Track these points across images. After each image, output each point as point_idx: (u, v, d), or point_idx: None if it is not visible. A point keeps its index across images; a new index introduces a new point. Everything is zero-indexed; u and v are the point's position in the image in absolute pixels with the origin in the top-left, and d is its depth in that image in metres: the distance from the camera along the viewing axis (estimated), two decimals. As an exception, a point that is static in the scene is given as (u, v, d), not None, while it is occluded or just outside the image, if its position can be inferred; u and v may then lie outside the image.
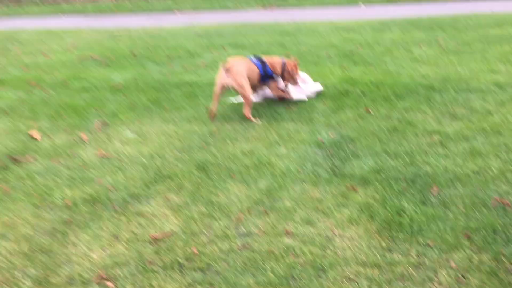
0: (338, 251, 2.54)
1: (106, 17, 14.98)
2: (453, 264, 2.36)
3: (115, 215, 2.98)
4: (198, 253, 2.57)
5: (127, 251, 2.62)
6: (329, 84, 5.49)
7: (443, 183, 3.14)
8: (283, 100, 4.99)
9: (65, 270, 2.47)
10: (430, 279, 2.27)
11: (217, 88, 4.53)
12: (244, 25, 11.16)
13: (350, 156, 3.65)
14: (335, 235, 2.68)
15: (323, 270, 2.39)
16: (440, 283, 2.24)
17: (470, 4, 12.05)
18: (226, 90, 4.56)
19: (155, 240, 2.70)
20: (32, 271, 2.47)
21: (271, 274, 2.36)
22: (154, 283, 2.34)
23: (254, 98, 4.79)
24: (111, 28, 11.87)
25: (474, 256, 2.41)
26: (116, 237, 2.75)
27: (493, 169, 3.29)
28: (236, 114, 4.70)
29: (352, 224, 2.77)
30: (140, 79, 6.29)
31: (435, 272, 2.32)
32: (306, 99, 5.02)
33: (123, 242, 2.70)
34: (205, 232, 2.77)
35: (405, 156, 3.56)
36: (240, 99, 5.05)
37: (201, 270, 2.43)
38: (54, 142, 4.19)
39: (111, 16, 15.21)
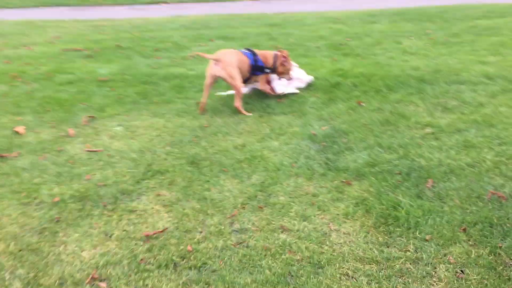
0: (335, 246, 2.50)
1: (89, 8, 14.72)
2: (451, 259, 2.34)
3: (106, 212, 2.89)
4: (192, 250, 2.50)
5: (119, 249, 2.55)
6: (320, 76, 5.44)
7: (438, 176, 3.11)
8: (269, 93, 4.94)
9: (56, 270, 2.38)
10: (429, 275, 2.24)
11: (207, 80, 4.45)
12: (231, 16, 11.05)
13: (344, 149, 3.61)
14: (332, 230, 2.64)
15: (321, 266, 2.34)
16: (439, 279, 2.21)
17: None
18: (217, 82, 4.48)
19: (148, 237, 2.63)
20: (21, 271, 2.38)
21: (268, 272, 2.31)
22: (149, 282, 2.27)
23: (243, 90, 4.72)
24: (95, 19, 11.67)
25: (472, 250, 2.39)
26: (107, 235, 2.68)
27: (487, 161, 3.27)
28: (226, 107, 4.63)
29: (348, 219, 2.74)
30: (127, 72, 6.17)
31: (433, 267, 2.29)
32: (298, 91, 4.97)
33: (114, 240, 2.62)
34: (198, 228, 2.71)
35: (399, 149, 3.53)
36: (230, 92, 4.98)
37: (196, 268, 2.37)
38: (40, 137, 4.08)
39: (95, 7, 14.96)
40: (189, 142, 3.86)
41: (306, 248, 2.49)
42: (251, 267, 2.37)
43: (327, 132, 3.92)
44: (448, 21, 8.57)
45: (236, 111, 4.43)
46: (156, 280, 2.29)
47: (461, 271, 2.25)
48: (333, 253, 2.44)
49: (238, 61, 4.48)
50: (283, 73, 4.85)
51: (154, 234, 2.66)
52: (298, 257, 2.42)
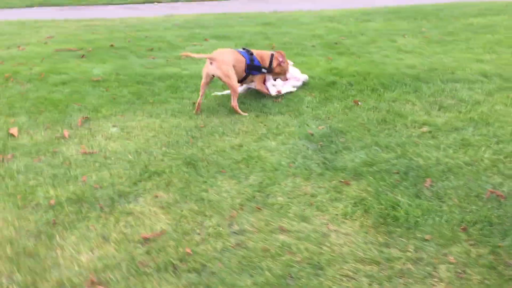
0: (335, 247, 2.49)
1: (81, 8, 14.61)
2: (452, 259, 2.33)
3: (103, 215, 2.87)
4: (191, 253, 2.48)
5: (118, 252, 2.52)
6: (315, 75, 5.43)
7: (436, 175, 3.11)
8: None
9: (54, 274, 2.35)
10: (430, 275, 2.24)
11: (203, 79, 4.43)
12: (225, 15, 11.01)
13: (341, 148, 3.60)
14: (331, 230, 2.63)
15: (321, 268, 2.33)
16: (440, 279, 2.21)
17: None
18: (212, 81, 4.45)
19: (146, 240, 2.61)
20: (18, 276, 2.34)
21: (268, 274, 2.30)
22: (148, 286, 2.25)
23: (239, 89, 4.70)
24: (88, 19, 11.58)
25: (472, 250, 2.39)
26: (105, 238, 2.65)
27: (485, 160, 3.28)
28: (222, 107, 4.60)
29: (347, 219, 2.73)
30: (121, 72, 6.12)
31: (434, 267, 2.29)
32: (294, 89, 4.96)
33: (112, 243, 2.59)
34: (197, 230, 2.69)
35: (396, 148, 3.53)
36: (226, 92, 4.96)
37: (196, 271, 2.35)
38: (35, 139, 4.03)
39: (87, 7, 14.85)
40: (186, 143, 3.83)
41: (305, 249, 2.48)
42: (251, 269, 2.35)
43: (324, 132, 3.90)
44: (443, 19, 8.59)
45: (232, 111, 4.41)
46: (155, 284, 2.27)
47: (462, 271, 2.25)
48: (333, 254, 2.43)
49: (233, 60, 4.46)
50: (280, 73, 4.84)
51: (152, 236, 2.63)
52: (298, 258, 2.41)
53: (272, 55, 4.73)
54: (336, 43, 7.25)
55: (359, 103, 4.51)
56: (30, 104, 4.93)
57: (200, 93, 4.47)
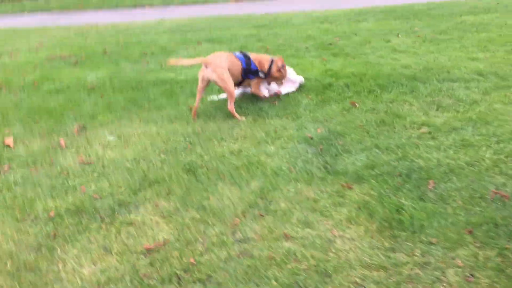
0: (341, 253, 2.46)
1: (72, 13, 14.54)
2: (459, 262, 2.31)
3: (103, 226, 2.82)
4: (195, 263, 2.45)
5: (120, 264, 2.48)
6: (311, 77, 5.41)
7: (438, 177, 3.09)
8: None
9: (56, 289, 2.31)
10: (439, 280, 2.21)
11: (199, 84, 4.39)
12: (217, 18, 10.98)
13: (341, 152, 3.57)
14: (336, 236, 2.60)
15: (328, 275, 2.30)
16: (449, 284, 2.18)
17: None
18: (209, 86, 4.42)
19: (149, 251, 2.57)
20: (19, 292, 2.31)
21: (275, 283, 2.27)
22: (153, 299, 2.22)
23: (236, 92, 4.67)
24: (78, 24, 11.51)
25: (480, 253, 2.37)
26: (106, 249, 2.61)
27: (486, 160, 3.26)
28: (219, 112, 4.56)
29: (352, 224, 2.70)
30: (115, 78, 6.08)
31: (442, 271, 2.26)
32: (293, 89, 4.95)
33: (114, 255, 2.55)
34: (200, 239, 2.65)
35: (397, 150, 3.51)
36: (222, 96, 4.93)
37: (201, 281, 2.32)
38: (31, 149, 3.98)
39: (77, 12, 14.77)
40: (184, 149, 3.79)
41: (311, 256, 2.45)
42: (257, 278, 2.32)
43: (323, 135, 3.88)
44: (434, 18, 8.61)
45: (230, 115, 4.37)
46: (161, 296, 2.23)
47: (471, 275, 2.23)
48: (340, 261, 2.40)
49: (229, 64, 4.42)
50: (278, 78, 4.80)
51: (155, 247, 2.59)
52: (304, 266, 2.38)
53: (272, 60, 4.70)
54: (330, 44, 7.24)
55: (356, 104, 4.49)
56: (25, 113, 4.88)
57: (197, 98, 4.43)
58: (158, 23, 10.83)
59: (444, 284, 2.19)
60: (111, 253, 2.57)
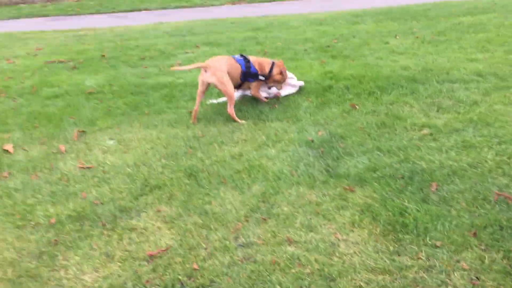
0: (345, 257, 2.44)
1: (69, 18, 14.50)
2: (465, 265, 2.30)
3: (105, 232, 2.80)
4: (198, 268, 2.43)
5: (122, 271, 2.46)
6: (310, 79, 5.40)
7: (441, 179, 3.08)
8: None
9: (58, 297, 2.29)
10: (444, 283, 2.20)
11: (199, 88, 4.38)
12: (215, 21, 10.97)
13: (343, 154, 3.56)
14: (339, 240, 2.59)
15: (333, 279, 2.29)
16: (455, 287, 2.17)
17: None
18: (209, 89, 4.40)
19: (151, 257, 2.55)
20: (21, 301, 2.29)
21: (279, 288, 2.25)
22: (157, 306, 2.20)
23: (235, 94, 4.66)
24: (76, 29, 11.49)
25: (485, 255, 2.35)
26: (108, 256, 2.58)
27: (489, 161, 3.25)
28: (219, 115, 4.55)
29: (355, 228, 2.68)
30: (114, 83, 6.05)
31: (448, 275, 2.25)
32: (294, 91, 4.95)
33: (117, 262, 2.53)
34: (203, 245, 2.63)
35: (398, 152, 3.49)
36: (221, 99, 4.92)
37: (204, 287, 2.30)
38: (30, 155, 3.95)
39: (75, 17, 14.74)
40: (185, 154, 3.77)
41: (315, 260, 2.43)
42: (261, 283, 2.30)
43: (324, 137, 3.87)
44: (432, 19, 8.62)
45: (230, 119, 4.36)
46: (164, 303, 2.21)
47: (476, 278, 2.21)
48: (344, 265, 2.38)
49: (228, 67, 4.41)
50: (278, 82, 4.79)
51: (157, 253, 2.57)
52: (308, 271, 2.36)
53: (273, 63, 4.69)
54: (328, 46, 7.23)
55: (357, 106, 4.48)
56: (24, 119, 4.85)
57: (197, 102, 4.42)
58: (156, 27, 10.81)
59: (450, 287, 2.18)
60: (113, 259, 2.55)
